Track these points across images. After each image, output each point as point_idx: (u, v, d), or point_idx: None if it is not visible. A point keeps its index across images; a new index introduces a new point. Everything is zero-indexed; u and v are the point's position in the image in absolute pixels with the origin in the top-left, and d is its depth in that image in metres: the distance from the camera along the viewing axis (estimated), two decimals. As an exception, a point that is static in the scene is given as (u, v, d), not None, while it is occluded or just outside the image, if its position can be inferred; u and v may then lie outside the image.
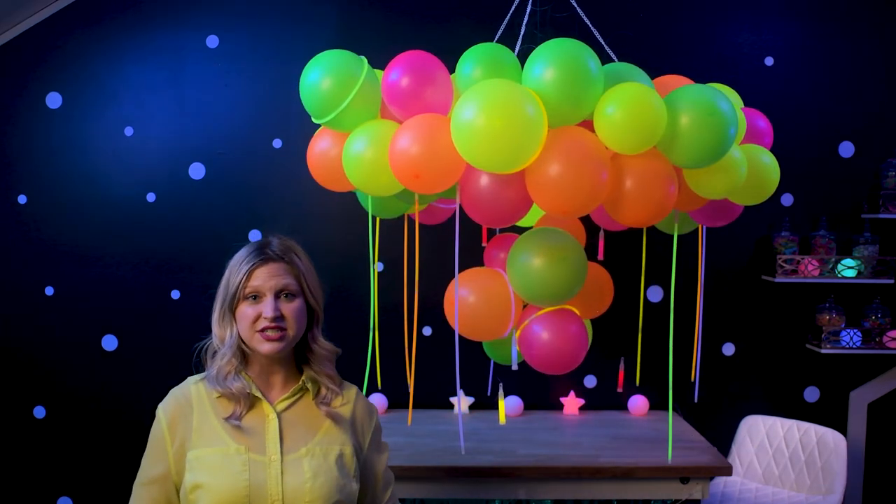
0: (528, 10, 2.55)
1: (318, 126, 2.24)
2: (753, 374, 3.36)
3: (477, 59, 1.96)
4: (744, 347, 3.36)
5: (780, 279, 3.17)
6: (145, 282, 3.29)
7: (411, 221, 2.59)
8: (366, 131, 2.06)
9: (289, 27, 3.24)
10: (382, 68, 2.10)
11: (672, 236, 2.33)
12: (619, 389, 2.76)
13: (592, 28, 2.49)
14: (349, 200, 2.83)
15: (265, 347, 1.53)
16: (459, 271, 2.24)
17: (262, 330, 1.52)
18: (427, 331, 3.31)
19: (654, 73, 2.11)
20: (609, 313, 2.53)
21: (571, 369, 2.34)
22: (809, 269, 3.16)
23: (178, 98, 3.24)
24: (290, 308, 1.54)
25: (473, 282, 2.30)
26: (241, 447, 1.51)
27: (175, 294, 3.30)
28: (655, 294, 3.33)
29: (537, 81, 1.85)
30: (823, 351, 3.19)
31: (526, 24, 2.47)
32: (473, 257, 2.56)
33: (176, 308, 3.30)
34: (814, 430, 3.10)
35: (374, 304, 2.39)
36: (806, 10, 3.27)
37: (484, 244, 2.63)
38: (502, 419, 2.47)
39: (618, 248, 2.84)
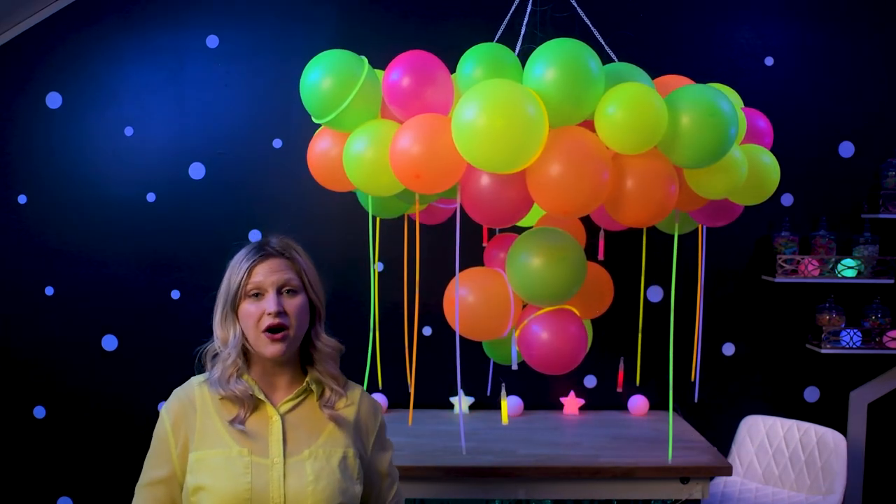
0: (528, 10, 2.55)
1: (319, 126, 2.24)
2: (753, 374, 3.36)
3: (478, 59, 1.96)
4: (744, 347, 3.36)
5: (780, 279, 3.17)
6: (145, 282, 3.29)
7: (411, 221, 2.59)
8: (366, 131, 2.06)
9: (289, 27, 3.24)
10: (383, 68, 2.10)
11: (672, 236, 2.33)
12: (619, 389, 2.77)
13: (592, 28, 2.49)
14: (349, 200, 2.83)
15: (270, 350, 1.52)
16: (459, 271, 2.24)
17: (267, 329, 1.51)
18: (427, 331, 3.31)
19: (654, 73, 2.11)
20: (609, 313, 2.53)
21: (571, 369, 2.34)
22: (809, 269, 3.16)
23: (178, 98, 3.24)
24: (292, 304, 1.54)
25: (473, 281, 2.30)
26: (244, 450, 1.50)
27: (175, 294, 3.30)
28: (655, 294, 3.33)
29: (538, 81, 1.85)
30: (823, 351, 3.19)
31: (526, 24, 2.47)
32: (473, 257, 2.56)
33: (176, 308, 3.30)
34: (814, 430, 3.10)
35: (375, 304, 2.39)
36: (806, 10, 3.27)
37: (484, 244, 2.63)
38: (505, 419, 2.46)
39: (618, 248, 2.84)
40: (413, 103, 1.98)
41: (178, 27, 3.23)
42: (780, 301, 3.33)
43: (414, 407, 2.52)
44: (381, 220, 2.71)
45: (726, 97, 1.92)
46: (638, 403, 3.29)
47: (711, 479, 2.78)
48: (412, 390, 2.40)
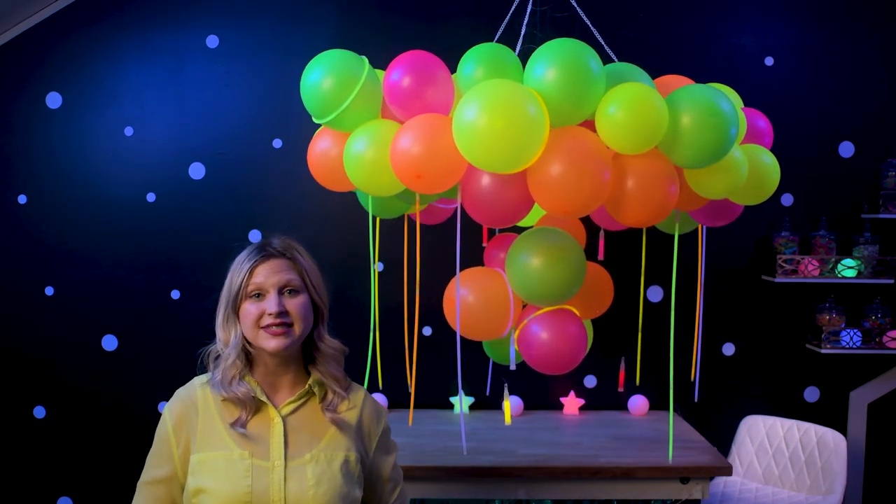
0: (528, 10, 2.55)
1: (318, 126, 2.24)
2: (753, 374, 3.36)
3: (478, 59, 1.96)
4: (744, 347, 3.36)
5: (780, 279, 3.17)
6: (145, 282, 3.29)
7: (411, 221, 2.58)
8: (367, 131, 2.06)
9: (289, 27, 3.24)
10: (383, 68, 2.10)
11: (672, 236, 2.33)
12: (621, 389, 2.77)
13: (592, 28, 2.49)
14: (349, 200, 2.83)
15: (271, 343, 1.51)
16: (459, 271, 2.24)
17: (267, 327, 1.51)
18: (427, 331, 3.31)
19: (653, 73, 2.11)
20: (609, 313, 2.53)
21: (570, 369, 2.34)
22: (809, 269, 3.16)
23: (178, 98, 3.24)
24: (294, 304, 1.53)
25: (472, 281, 2.30)
26: (245, 452, 1.49)
27: (175, 294, 3.30)
28: (655, 294, 3.33)
29: (539, 81, 1.85)
30: (823, 351, 3.20)
31: (526, 24, 2.47)
32: (473, 257, 2.56)
33: (176, 308, 3.30)
34: (814, 430, 3.10)
35: (375, 304, 2.39)
36: (806, 10, 3.27)
37: (484, 244, 2.63)
38: (508, 420, 2.46)
39: (618, 248, 2.84)
40: (414, 103, 1.98)
41: (178, 27, 3.23)
42: (780, 301, 3.33)
43: (414, 407, 2.52)
44: (381, 220, 2.71)
45: (727, 97, 1.92)
46: (638, 403, 3.29)
47: (711, 479, 2.78)
48: (412, 390, 2.39)
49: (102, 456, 3.33)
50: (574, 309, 2.35)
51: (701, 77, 2.25)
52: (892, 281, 3.18)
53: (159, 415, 1.58)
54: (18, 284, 3.28)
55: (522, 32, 2.41)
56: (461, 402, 2.25)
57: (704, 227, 2.45)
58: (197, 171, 3.27)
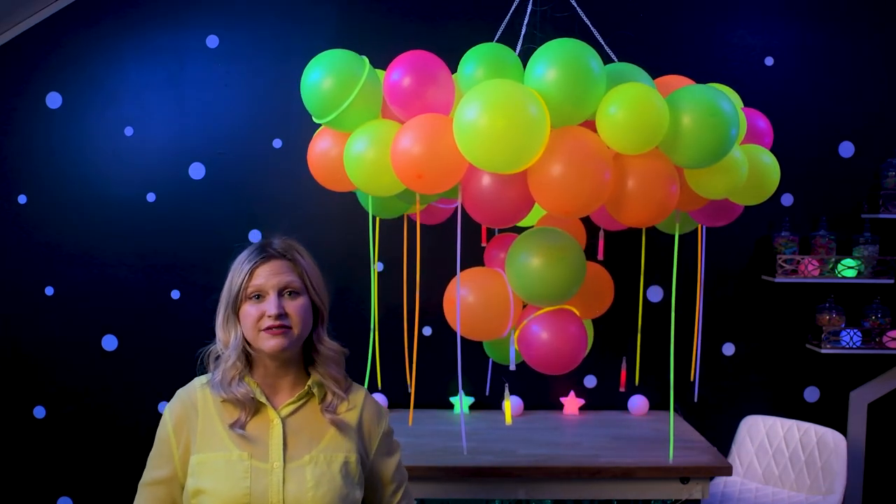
0: (528, 10, 2.55)
1: (319, 126, 2.24)
2: (753, 374, 3.37)
3: (479, 59, 1.96)
4: (744, 347, 3.36)
5: (780, 279, 3.17)
6: (145, 282, 3.29)
7: (411, 221, 2.58)
8: (367, 131, 2.06)
9: (289, 27, 3.24)
10: (383, 68, 2.10)
11: (672, 236, 2.33)
12: (622, 389, 2.76)
13: (592, 28, 2.49)
14: (349, 200, 2.83)
15: (270, 344, 1.50)
16: (459, 271, 2.24)
17: (266, 328, 1.50)
18: (427, 331, 3.31)
19: (654, 73, 2.11)
20: (609, 313, 2.53)
21: (570, 370, 2.34)
22: (809, 269, 3.16)
23: (178, 98, 3.24)
24: (293, 305, 1.53)
25: (472, 281, 2.30)
26: (244, 454, 1.49)
27: (175, 294, 3.30)
28: (655, 294, 3.33)
29: (540, 81, 1.85)
30: (823, 351, 3.20)
31: (526, 24, 2.47)
32: (473, 257, 2.56)
33: (176, 308, 3.30)
34: (814, 430, 3.10)
35: (375, 304, 2.39)
36: (806, 10, 3.27)
37: (484, 244, 2.63)
38: (508, 420, 2.46)
39: (618, 248, 2.84)
40: (414, 103, 1.98)
41: (178, 27, 3.23)
42: (780, 301, 3.33)
43: (414, 407, 2.52)
44: (381, 220, 2.71)
45: (727, 97, 1.92)
46: (638, 403, 3.29)
47: (711, 479, 2.78)
48: (412, 390, 2.39)
49: (102, 456, 3.32)
50: (574, 309, 2.35)
51: (701, 77, 2.25)
52: (892, 281, 3.18)
53: (159, 415, 1.58)
54: (18, 284, 3.28)
55: (522, 32, 2.41)
56: (461, 402, 2.25)
57: (704, 227, 2.45)
58: (197, 171, 3.27)
